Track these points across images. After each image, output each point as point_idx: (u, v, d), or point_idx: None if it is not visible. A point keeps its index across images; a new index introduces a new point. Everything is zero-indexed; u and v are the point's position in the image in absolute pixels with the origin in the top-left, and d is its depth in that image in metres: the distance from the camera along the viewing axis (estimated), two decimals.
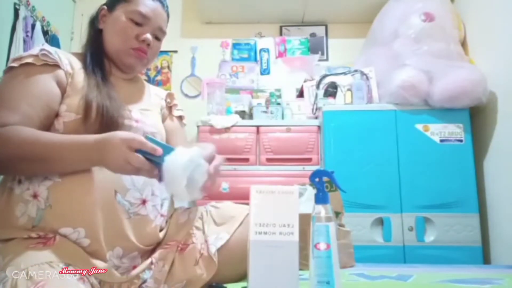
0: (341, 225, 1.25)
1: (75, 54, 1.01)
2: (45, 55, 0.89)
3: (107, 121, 0.89)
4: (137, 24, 0.99)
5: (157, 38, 1.05)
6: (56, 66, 0.90)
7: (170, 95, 1.17)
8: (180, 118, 1.18)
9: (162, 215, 0.95)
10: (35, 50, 0.90)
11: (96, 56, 1.00)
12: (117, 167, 0.76)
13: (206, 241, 0.90)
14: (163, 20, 1.05)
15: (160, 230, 0.95)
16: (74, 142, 0.80)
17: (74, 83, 0.92)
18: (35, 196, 0.81)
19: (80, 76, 0.93)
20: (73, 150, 0.79)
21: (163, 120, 1.11)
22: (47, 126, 0.87)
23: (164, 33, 1.07)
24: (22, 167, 0.81)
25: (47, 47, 0.93)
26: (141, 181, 0.89)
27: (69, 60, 0.95)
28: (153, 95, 1.13)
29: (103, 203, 0.83)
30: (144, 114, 1.00)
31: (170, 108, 1.15)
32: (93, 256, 0.81)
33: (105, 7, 1.03)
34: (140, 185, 0.89)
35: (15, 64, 0.88)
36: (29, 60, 0.88)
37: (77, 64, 0.96)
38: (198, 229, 0.95)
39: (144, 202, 0.89)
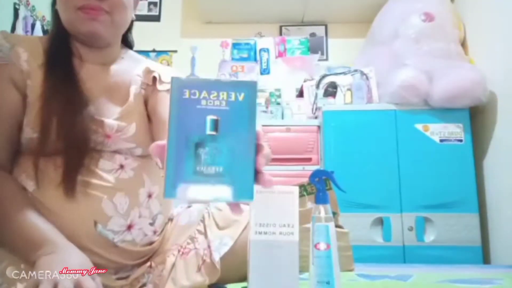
0: (339, 226, 1.22)
1: (43, 38, 0.86)
2: None
3: (68, 144, 0.76)
4: None
5: None
6: (9, 64, 0.78)
7: (146, 73, 0.91)
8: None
9: (154, 232, 0.88)
10: None
11: (58, 41, 0.83)
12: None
13: (209, 246, 0.85)
14: None
15: (151, 243, 0.89)
16: (28, 233, 0.70)
17: (33, 85, 0.78)
18: None
19: (40, 75, 0.79)
20: (21, 239, 0.71)
21: (146, 102, 0.90)
22: (16, 139, 0.79)
23: None
24: None
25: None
26: (125, 206, 0.80)
27: (31, 52, 0.80)
28: (139, 80, 0.90)
29: (82, 236, 0.76)
30: (122, 123, 0.83)
31: (153, 85, 0.90)
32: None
33: None
34: (124, 211, 0.80)
35: None
36: None
37: (39, 58, 0.81)
38: (201, 233, 0.90)
39: (129, 227, 0.81)
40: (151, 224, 0.86)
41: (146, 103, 0.90)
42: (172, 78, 0.47)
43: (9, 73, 0.78)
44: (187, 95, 0.46)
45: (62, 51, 0.82)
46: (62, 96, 0.77)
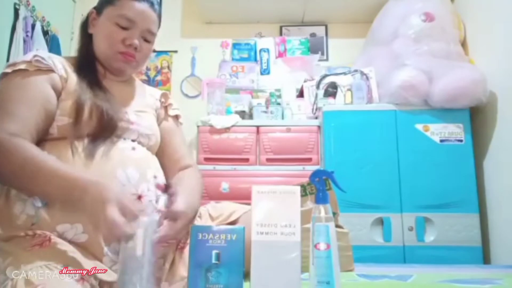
0: (339, 226, 1.22)
1: (69, 58, 1.03)
2: (38, 61, 0.91)
3: (106, 123, 0.91)
4: (123, 28, 1.00)
5: (146, 40, 1.04)
6: (50, 71, 0.92)
7: (164, 95, 1.17)
8: (176, 117, 1.18)
9: (159, 211, 0.94)
10: (28, 56, 0.92)
11: (88, 60, 1.02)
12: (97, 223, 0.75)
13: None
14: (152, 22, 1.04)
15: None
16: (65, 176, 0.79)
17: (68, 87, 0.93)
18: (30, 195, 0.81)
19: (73, 79, 0.95)
20: (60, 185, 0.78)
21: (159, 122, 1.12)
22: (45, 128, 0.88)
23: (153, 34, 1.06)
24: (12, 182, 0.82)
25: (41, 53, 0.94)
26: (136, 177, 0.90)
27: (63, 65, 0.96)
28: (148, 95, 1.13)
29: None
30: (140, 116, 1.02)
31: (165, 108, 1.16)
32: (90, 251, 0.81)
33: (94, 10, 1.05)
34: (135, 181, 0.89)
35: (8, 70, 0.90)
36: (22, 66, 0.90)
37: (70, 68, 0.98)
38: None
39: (140, 197, 0.89)
40: (156, 202, 0.93)
41: (157, 117, 1.12)
42: (192, 226, 0.71)
43: (49, 76, 0.92)
44: (200, 237, 0.68)
45: (89, 68, 1.01)
46: (94, 90, 0.95)
